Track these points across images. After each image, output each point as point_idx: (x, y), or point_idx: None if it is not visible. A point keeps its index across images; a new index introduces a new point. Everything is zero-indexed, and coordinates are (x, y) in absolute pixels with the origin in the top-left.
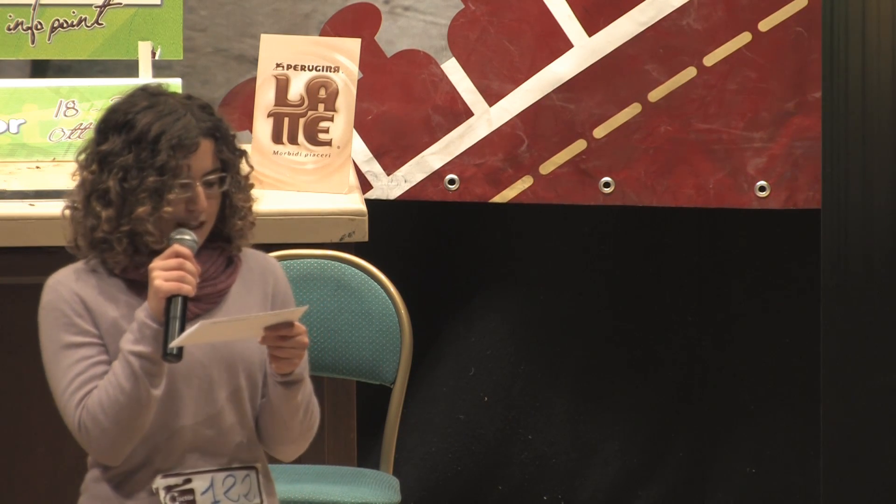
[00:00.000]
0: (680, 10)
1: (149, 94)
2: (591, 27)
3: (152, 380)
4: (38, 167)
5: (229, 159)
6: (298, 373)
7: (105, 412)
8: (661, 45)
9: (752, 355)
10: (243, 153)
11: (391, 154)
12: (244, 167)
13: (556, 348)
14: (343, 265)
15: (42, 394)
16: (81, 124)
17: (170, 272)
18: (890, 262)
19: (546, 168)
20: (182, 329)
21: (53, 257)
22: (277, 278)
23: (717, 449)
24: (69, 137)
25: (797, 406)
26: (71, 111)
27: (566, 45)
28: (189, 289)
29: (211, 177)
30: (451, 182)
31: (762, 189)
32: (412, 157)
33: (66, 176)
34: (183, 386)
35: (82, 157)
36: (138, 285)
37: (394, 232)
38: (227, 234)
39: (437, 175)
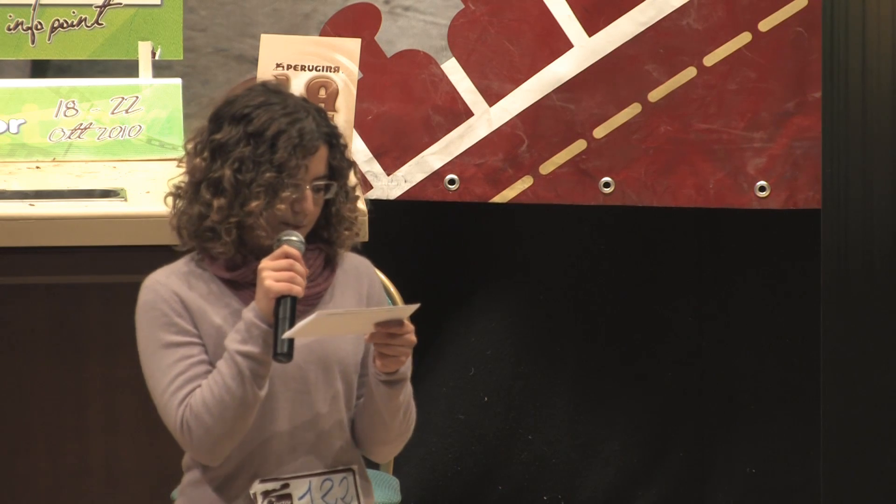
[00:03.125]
0: (680, 10)
1: (268, 91)
2: (591, 27)
3: (258, 381)
4: (38, 167)
5: (340, 168)
6: (403, 371)
7: (210, 412)
8: (661, 45)
9: (752, 355)
10: (352, 164)
11: (391, 154)
12: (352, 178)
13: (556, 348)
14: None
15: (42, 394)
16: (81, 124)
17: (281, 273)
18: (890, 262)
19: (546, 168)
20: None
21: (54, 257)
22: (372, 281)
23: (717, 449)
24: (69, 137)
25: (797, 406)
26: (71, 111)
27: (566, 45)
28: (299, 290)
29: (320, 182)
30: (451, 182)
31: (762, 189)
32: (412, 157)
33: (66, 176)
34: (280, 388)
35: (191, 145)
36: (237, 286)
37: (394, 232)
38: (329, 239)
39: (437, 175)
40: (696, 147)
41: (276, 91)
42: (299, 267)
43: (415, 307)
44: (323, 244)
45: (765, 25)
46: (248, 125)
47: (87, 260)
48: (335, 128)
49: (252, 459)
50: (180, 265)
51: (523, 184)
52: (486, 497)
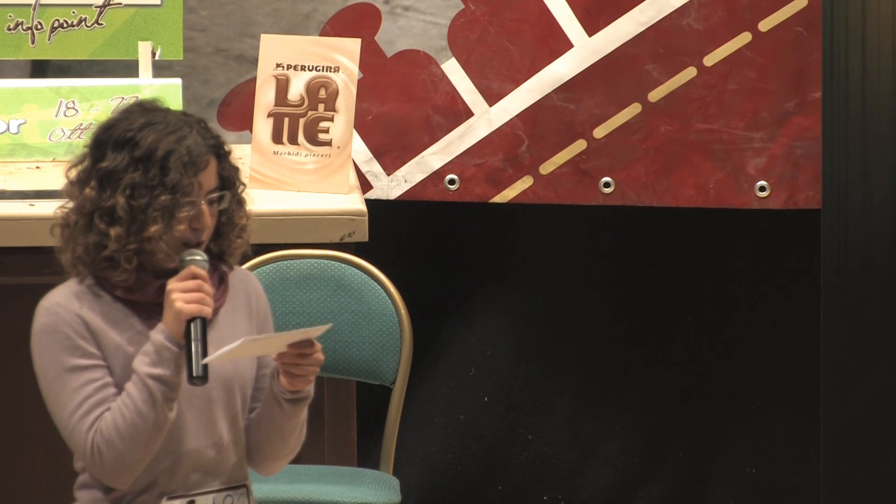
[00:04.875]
0: (680, 10)
1: (146, 110)
2: (591, 27)
3: (169, 403)
4: (38, 167)
5: (229, 177)
6: (308, 390)
7: (121, 436)
8: (661, 45)
9: (753, 355)
10: (237, 169)
11: (391, 154)
12: (240, 183)
13: (556, 348)
14: (343, 265)
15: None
16: (81, 124)
17: (190, 294)
18: (890, 262)
19: (546, 168)
20: (205, 351)
21: (53, 257)
22: (257, 293)
23: (717, 449)
24: (69, 137)
25: (797, 406)
26: (71, 111)
27: (566, 45)
28: (209, 311)
29: (213, 195)
30: (451, 182)
31: (762, 189)
32: (412, 157)
33: None
34: (185, 406)
35: (73, 174)
36: (139, 307)
37: (394, 232)
38: (222, 252)
39: (437, 175)
40: (696, 147)
41: (154, 109)
42: (207, 287)
43: (327, 327)
44: (213, 259)
45: (765, 25)
46: (133, 149)
47: None
48: (219, 137)
49: (159, 478)
50: (74, 285)
51: (523, 184)
52: (486, 497)
